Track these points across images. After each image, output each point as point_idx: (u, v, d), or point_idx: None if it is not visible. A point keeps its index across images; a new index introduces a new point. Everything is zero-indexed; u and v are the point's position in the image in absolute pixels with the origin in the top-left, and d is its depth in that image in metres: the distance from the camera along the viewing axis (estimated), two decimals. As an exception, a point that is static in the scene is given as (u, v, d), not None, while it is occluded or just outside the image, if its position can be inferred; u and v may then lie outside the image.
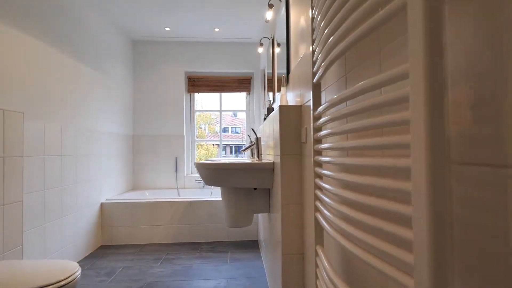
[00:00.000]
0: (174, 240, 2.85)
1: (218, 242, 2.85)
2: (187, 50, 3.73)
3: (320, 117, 0.88)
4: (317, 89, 0.88)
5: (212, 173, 1.63)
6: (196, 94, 3.90)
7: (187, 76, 3.80)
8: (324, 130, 0.80)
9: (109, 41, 3.05)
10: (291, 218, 1.36)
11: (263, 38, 2.59)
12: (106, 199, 2.90)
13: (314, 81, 0.86)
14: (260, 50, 2.65)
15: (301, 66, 1.38)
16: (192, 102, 3.87)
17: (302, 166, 1.35)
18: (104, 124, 2.90)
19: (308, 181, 1.25)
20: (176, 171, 3.67)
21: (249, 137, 2.58)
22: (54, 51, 2.13)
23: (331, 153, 0.94)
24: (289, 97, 1.67)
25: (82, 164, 2.46)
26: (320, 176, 0.88)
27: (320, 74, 0.80)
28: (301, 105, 1.38)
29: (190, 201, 2.87)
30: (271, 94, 2.58)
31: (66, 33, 2.29)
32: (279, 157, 1.40)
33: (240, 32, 3.44)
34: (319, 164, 0.88)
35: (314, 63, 0.88)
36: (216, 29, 3.36)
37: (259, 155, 1.84)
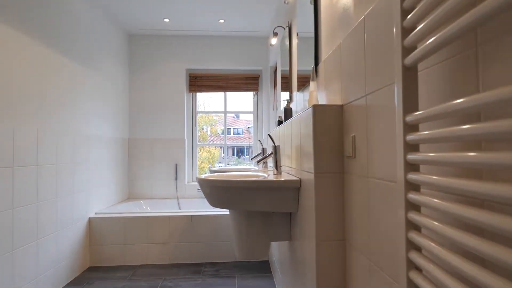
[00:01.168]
0: (172, 261, 2.48)
1: (223, 263, 2.48)
2: (189, 44, 3.37)
3: (416, 126, 0.52)
4: (411, 76, 0.51)
5: (220, 193, 1.26)
6: (199, 94, 3.54)
7: (189, 74, 3.44)
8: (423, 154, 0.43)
9: (101, 34, 2.69)
10: (329, 259, 0.99)
11: (277, 27, 2.23)
12: (96, 213, 2.54)
13: (407, 62, 0.50)
14: (274, 41, 2.28)
15: (343, 51, 1.01)
16: (194, 102, 3.51)
17: (345, 189, 0.99)
18: (94, 126, 2.54)
19: (356, 208, 0.89)
20: (176, 179, 3.30)
21: (261, 143, 2.21)
22: (29, 41, 1.77)
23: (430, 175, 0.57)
24: (319, 94, 1.30)
25: (65, 174, 2.10)
26: (417, 229, 0.51)
27: (432, 47, 0.44)
28: (342, 105, 1.01)
29: (191, 215, 2.50)
30: (285, 94, 2.22)
31: (49, 22, 1.93)
32: (311, 174, 1.03)
33: (248, 24, 3.08)
34: (414, 206, 0.52)
35: (406, 30, 0.51)
36: (221, 21, 3.00)
37: (277, 166, 1.47)
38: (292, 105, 1.90)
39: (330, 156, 1.00)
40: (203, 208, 3.16)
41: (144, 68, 3.33)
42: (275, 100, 3.27)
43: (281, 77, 2.36)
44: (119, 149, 3.04)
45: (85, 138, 2.39)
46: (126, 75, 3.25)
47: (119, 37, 3.09)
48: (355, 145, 0.91)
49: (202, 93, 3.52)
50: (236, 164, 4.89)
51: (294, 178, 1.24)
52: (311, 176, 1.02)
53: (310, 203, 1.05)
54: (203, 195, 3.30)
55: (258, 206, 1.25)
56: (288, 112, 1.77)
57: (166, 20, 2.98)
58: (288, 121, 1.49)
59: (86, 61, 2.43)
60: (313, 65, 1.31)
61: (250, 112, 3.58)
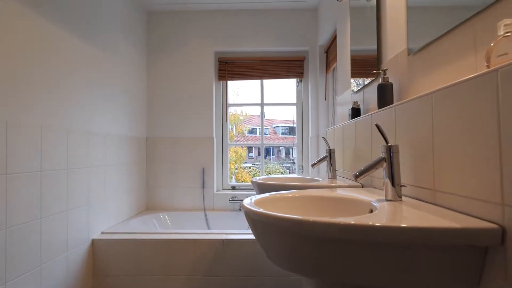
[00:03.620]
0: (199, 300, 1.86)
1: (267, 306, 1.81)
2: (218, 21, 2.75)
3: None
4: None
5: (299, 245, 0.59)
6: (230, 83, 2.90)
7: (218, 58, 2.82)
8: None
9: (114, 10, 2.13)
10: None
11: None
12: (102, 232, 1.98)
13: None
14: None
15: None
16: (225, 92, 2.88)
17: None
18: (101, 121, 1.98)
19: None
20: (203, 186, 2.69)
21: (326, 141, 1.51)
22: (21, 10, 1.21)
23: None
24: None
25: (53, 185, 1.54)
26: None
27: None
28: None
29: (223, 239, 1.86)
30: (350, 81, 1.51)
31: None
32: None
33: (293, -11, 2.40)
34: None
35: None
36: (260, -15, 2.34)
37: (395, 184, 0.77)
38: (393, 77, 1.19)
39: None
40: (238, 226, 2.52)
41: (166, 53, 2.76)
42: (327, 87, 2.57)
43: (352, 55, 1.65)
44: (134, 151, 2.48)
45: (86, 136, 1.83)
46: (144, 62, 2.69)
47: (136, 16, 2.52)
48: None
49: (234, 81, 2.89)
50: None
51: (486, 224, 0.54)
52: None
53: None
54: (236, 208, 2.66)
55: (380, 279, 0.56)
56: (387, 90, 1.07)
57: (191, -12, 2.38)
58: (419, 97, 0.79)
59: (96, 42, 1.87)
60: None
61: (292, 104, 2.89)
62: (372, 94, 1.33)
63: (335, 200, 0.87)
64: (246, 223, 2.53)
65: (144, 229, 2.21)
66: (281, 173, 4.32)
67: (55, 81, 1.56)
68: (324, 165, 2.41)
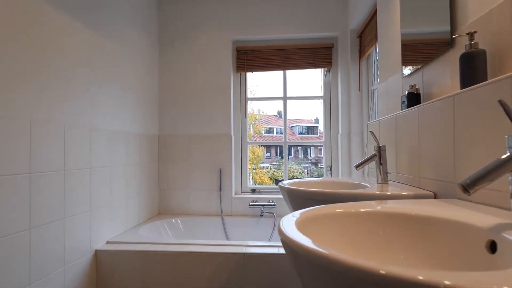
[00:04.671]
0: (216, 324, 1.59)
1: (296, 335, 1.52)
2: (236, 7, 2.48)
3: None
4: None
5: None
6: (249, 75, 2.63)
7: (236, 48, 2.55)
8: None
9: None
10: None
11: None
12: (107, 242, 1.75)
13: None
14: None
15: None
16: (243, 85, 2.61)
17: None
18: (107, 117, 1.76)
19: None
20: (220, 189, 2.44)
21: (374, 137, 1.20)
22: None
23: None
24: None
25: (46, 189, 1.31)
26: None
27: None
28: None
29: (244, 253, 1.59)
30: (407, 69, 1.20)
31: None
32: None
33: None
34: None
35: None
36: (284, -39, 2.05)
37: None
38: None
39: None
40: (259, 235, 2.24)
41: (179, 43, 2.52)
42: (361, 77, 2.25)
43: (403, 44, 1.34)
44: (145, 150, 2.25)
45: (88, 132, 1.60)
46: (155, 52, 2.46)
47: (146, 3, 2.30)
48: None
49: (252, 75, 2.61)
50: (280, 166, 3.88)
51: None
52: None
53: None
54: (257, 213, 2.38)
55: None
56: (478, 60, 0.75)
57: (206, -33, 2.12)
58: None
59: (96, 26, 1.64)
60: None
61: (319, 98, 2.58)
62: (438, 74, 1.02)
63: (422, 223, 0.57)
64: (268, 231, 2.25)
65: (155, 237, 1.98)
66: (299, 173, 4.01)
67: (49, 68, 1.33)
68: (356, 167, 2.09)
